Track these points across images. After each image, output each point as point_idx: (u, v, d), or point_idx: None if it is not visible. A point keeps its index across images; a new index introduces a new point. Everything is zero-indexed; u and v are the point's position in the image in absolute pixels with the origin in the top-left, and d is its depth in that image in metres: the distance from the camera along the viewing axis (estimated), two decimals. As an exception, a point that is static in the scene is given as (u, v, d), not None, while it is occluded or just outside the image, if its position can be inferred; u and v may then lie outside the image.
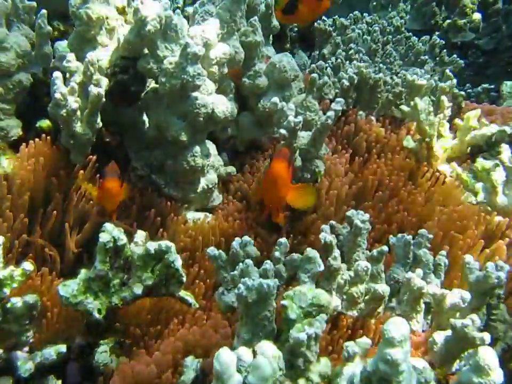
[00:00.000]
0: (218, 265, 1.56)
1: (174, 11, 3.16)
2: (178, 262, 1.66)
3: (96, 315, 1.63)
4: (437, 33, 4.19)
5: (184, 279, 1.69)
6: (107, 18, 2.00)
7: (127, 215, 2.11)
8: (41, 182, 1.96)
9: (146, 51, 1.95)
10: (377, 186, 2.20)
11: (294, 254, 1.55)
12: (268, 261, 1.44)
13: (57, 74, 1.75)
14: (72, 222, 2.03)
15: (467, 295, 1.42)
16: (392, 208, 2.12)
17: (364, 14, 3.52)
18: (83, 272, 1.65)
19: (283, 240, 1.54)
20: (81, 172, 2.00)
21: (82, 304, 1.62)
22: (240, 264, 1.43)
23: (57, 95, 1.72)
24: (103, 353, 1.72)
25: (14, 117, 2.10)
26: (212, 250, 1.57)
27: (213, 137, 2.31)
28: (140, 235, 1.70)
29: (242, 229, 2.12)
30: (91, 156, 2.02)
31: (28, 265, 1.65)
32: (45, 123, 2.14)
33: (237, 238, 1.57)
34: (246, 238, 1.56)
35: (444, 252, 1.71)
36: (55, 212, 1.94)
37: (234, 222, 2.13)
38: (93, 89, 1.76)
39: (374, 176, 2.18)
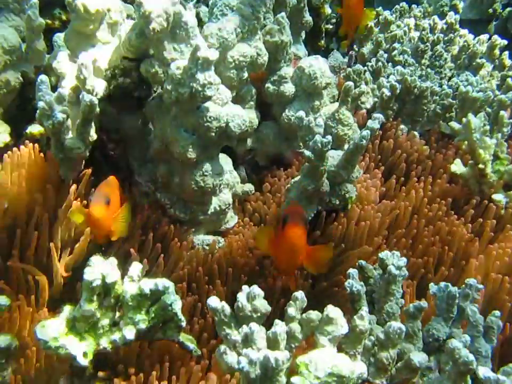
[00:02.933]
0: (221, 320, 1.37)
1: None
2: (177, 305, 1.53)
3: (81, 360, 1.48)
4: (494, 23, 3.87)
5: (184, 323, 1.54)
6: (109, 10, 1.83)
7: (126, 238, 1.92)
8: (24, 198, 1.78)
9: (151, 52, 1.75)
10: (414, 215, 1.98)
11: (311, 312, 1.34)
12: (279, 323, 1.26)
13: (42, 78, 1.58)
14: (61, 243, 1.87)
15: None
16: (429, 239, 1.90)
17: (413, 6, 3.25)
18: (67, 310, 1.53)
19: (299, 294, 1.34)
20: (73, 187, 1.82)
21: (64, 347, 1.46)
22: (244, 327, 1.24)
23: (41, 104, 1.55)
24: (87, 405, 1.56)
25: (0, 121, 1.93)
26: (213, 301, 1.37)
27: (229, 150, 2.11)
28: (135, 268, 1.53)
29: (257, 259, 1.93)
30: (85, 170, 1.84)
31: (3, 299, 1.55)
32: (36, 129, 1.97)
33: (244, 288, 1.37)
34: (256, 289, 1.36)
35: (497, 313, 1.49)
36: (36, 232, 1.77)
37: (248, 252, 1.94)
38: (85, 97, 1.59)
39: (410, 204, 1.95)
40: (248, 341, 1.22)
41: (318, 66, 2.02)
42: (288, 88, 2.08)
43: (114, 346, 1.49)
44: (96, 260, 1.48)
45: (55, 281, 1.84)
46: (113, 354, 1.57)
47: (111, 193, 1.68)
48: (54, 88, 1.80)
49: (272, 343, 1.24)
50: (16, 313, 1.66)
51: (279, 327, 1.24)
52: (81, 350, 1.45)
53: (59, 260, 1.85)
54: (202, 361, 1.64)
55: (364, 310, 1.40)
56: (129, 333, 1.47)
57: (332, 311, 1.31)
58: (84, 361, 1.46)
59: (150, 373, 1.54)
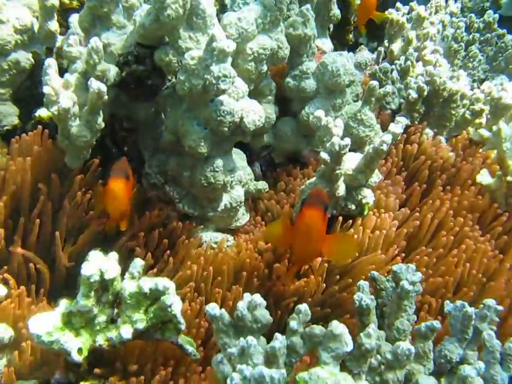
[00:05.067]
0: (219, 328, 1.31)
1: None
2: (177, 307, 1.48)
3: (75, 356, 1.47)
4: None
5: (183, 326, 1.50)
6: (125, -8, 1.76)
7: (132, 232, 1.89)
8: (28, 186, 1.75)
9: (166, 39, 1.70)
10: (438, 228, 1.89)
11: (315, 326, 1.28)
12: (279, 338, 1.20)
13: (50, 61, 1.54)
14: (65, 233, 1.84)
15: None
16: (453, 258, 1.82)
17: (450, 1, 3.13)
18: (63, 304, 1.49)
19: (303, 307, 1.28)
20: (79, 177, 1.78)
21: (58, 342, 1.43)
22: (241, 339, 1.18)
23: (47, 89, 1.50)
24: (79, 402, 1.53)
25: (9, 102, 1.93)
26: (212, 308, 1.33)
27: (245, 145, 2.05)
28: (137, 265, 1.50)
29: (266, 262, 1.88)
30: (93, 159, 1.81)
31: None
32: (45, 112, 1.93)
33: (246, 296, 1.31)
34: (257, 298, 1.30)
35: (517, 340, 1.41)
36: (38, 220, 1.75)
37: (257, 256, 1.88)
38: (93, 84, 1.54)
39: (435, 216, 1.87)
40: (244, 354, 1.17)
41: (341, 62, 1.94)
42: (309, 84, 2.01)
43: (111, 344, 1.46)
44: (94, 254, 1.45)
45: (57, 271, 1.82)
46: (111, 352, 1.54)
47: (127, 170, 1.67)
48: (65, 71, 1.76)
49: (271, 358, 1.19)
50: (14, 303, 1.64)
51: (279, 342, 1.19)
52: (76, 345, 1.43)
53: (62, 249, 1.83)
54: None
55: (372, 327, 1.33)
56: (126, 331, 1.45)
57: (337, 327, 1.25)
58: (78, 358, 1.43)
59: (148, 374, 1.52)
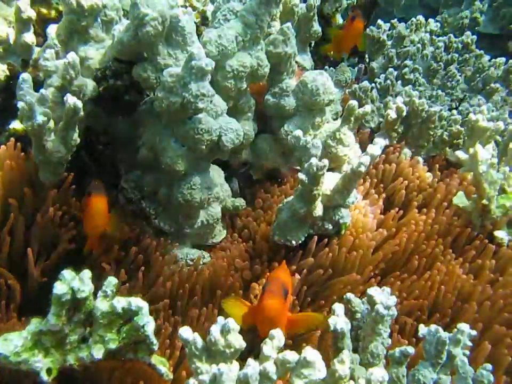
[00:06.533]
0: (191, 353, 1.30)
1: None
2: (150, 327, 1.46)
3: (44, 377, 1.42)
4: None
5: (156, 347, 1.48)
6: (104, 7, 1.74)
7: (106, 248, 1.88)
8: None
9: (145, 55, 1.68)
10: (412, 251, 1.90)
11: (288, 352, 1.26)
12: (251, 364, 1.18)
13: (25, 76, 1.51)
14: (37, 248, 1.81)
15: None
16: (426, 282, 1.84)
17: (429, 20, 3.16)
18: (34, 323, 1.46)
19: (276, 332, 1.27)
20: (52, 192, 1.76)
21: (26, 362, 1.40)
22: (213, 366, 1.17)
23: (21, 104, 1.47)
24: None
25: (-17, 115, 1.87)
26: (184, 331, 1.30)
27: (223, 161, 2.04)
28: (110, 283, 1.48)
29: (243, 281, 1.88)
30: (67, 174, 1.78)
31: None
32: (20, 125, 1.90)
33: (219, 320, 1.30)
34: (231, 322, 1.28)
35: (489, 366, 1.41)
36: (8, 238, 1.71)
37: (233, 274, 1.88)
38: (69, 100, 1.51)
39: (409, 239, 1.87)
40: (216, 382, 1.15)
41: (321, 81, 1.94)
42: (289, 102, 2.00)
43: (81, 363, 1.43)
44: (67, 273, 1.43)
45: (29, 286, 1.79)
46: (81, 372, 1.51)
47: (104, 190, 1.71)
48: (42, 84, 1.74)
49: (243, 387, 1.17)
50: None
51: (251, 368, 1.17)
52: (45, 365, 1.41)
53: (35, 265, 1.80)
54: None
55: (345, 353, 1.32)
56: (98, 352, 1.43)
57: (310, 354, 1.24)
58: (47, 378, 1.41)
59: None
